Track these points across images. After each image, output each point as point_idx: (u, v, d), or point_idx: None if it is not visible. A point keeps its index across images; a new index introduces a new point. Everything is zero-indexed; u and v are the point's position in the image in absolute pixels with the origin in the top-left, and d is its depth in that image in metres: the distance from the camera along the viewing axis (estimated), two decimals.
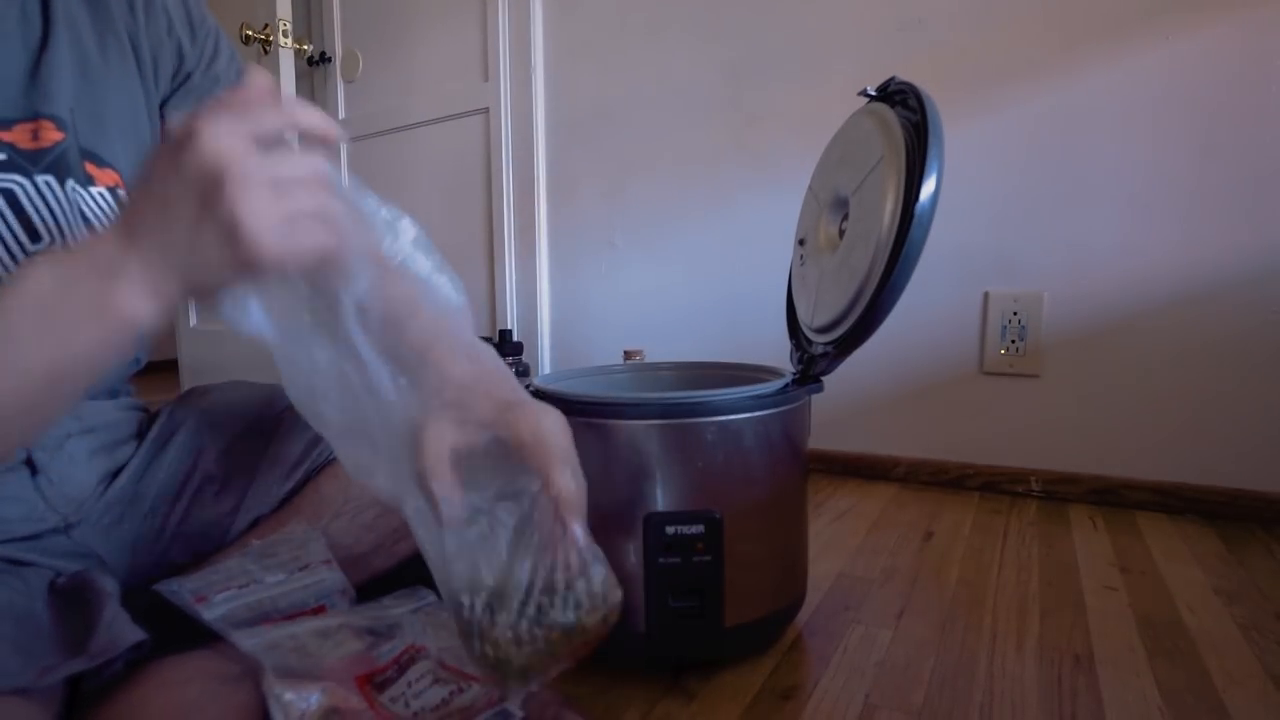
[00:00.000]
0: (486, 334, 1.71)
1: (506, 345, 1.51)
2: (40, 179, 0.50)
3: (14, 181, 0.49)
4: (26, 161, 0.49)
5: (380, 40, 1.85)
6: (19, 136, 0.49)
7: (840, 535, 0.97)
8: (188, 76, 0.60)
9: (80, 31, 0.52)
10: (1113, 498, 1.10)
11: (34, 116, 0.50)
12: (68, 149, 0.52)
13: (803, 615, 0.72)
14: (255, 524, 0.64)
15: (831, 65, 1.26)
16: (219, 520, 0.63)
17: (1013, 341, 1.16)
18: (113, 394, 0.64)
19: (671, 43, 1.41)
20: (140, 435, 0.65)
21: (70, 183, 0.52)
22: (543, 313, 1.63)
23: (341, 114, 1.93)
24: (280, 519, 0.64)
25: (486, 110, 1.66)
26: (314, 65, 1.96)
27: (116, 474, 0.61)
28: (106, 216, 0.53)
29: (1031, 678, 0.61)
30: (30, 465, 0.55)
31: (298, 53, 1.87)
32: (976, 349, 1.19)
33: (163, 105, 0.60)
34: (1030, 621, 0.71)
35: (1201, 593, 0.78)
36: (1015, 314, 1.15)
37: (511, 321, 1.66)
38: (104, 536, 0.59)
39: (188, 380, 2.18)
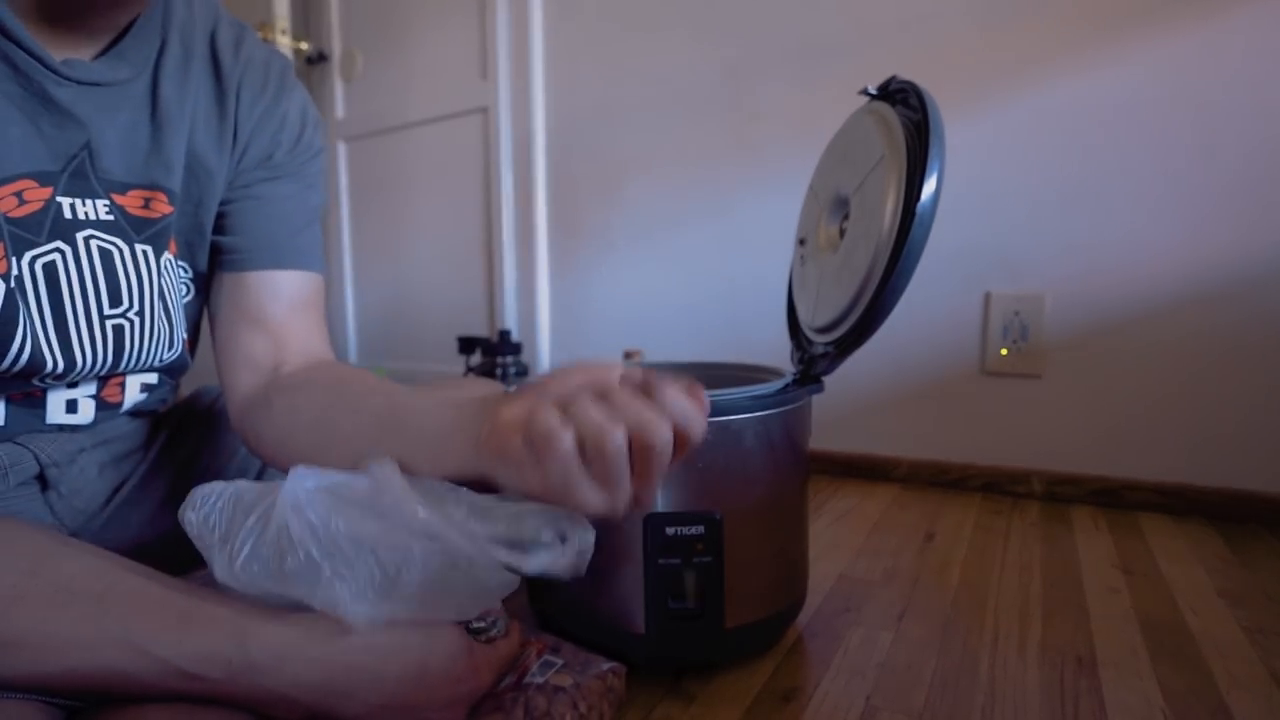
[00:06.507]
0: (485, 334, 1.71)
1: (506, 345, 1.50)
2: (140, 248, 0.53)
3: (114, 244, 0.51)
4: (131, 227, 0.52)
5: (379, 39, 1.84)
6: (130, 201, 0.52)
7: (841, 536, 0.97)
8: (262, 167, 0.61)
9: (199, 111, 0.55)
10: (1115, 499, 1.09)
11: (150, 186, 0.52)
12: (170, 223, 0.54)
13: (803, 617, 0.72)
14: None
15: (831, 65, 1.25)
16: None
17: (1014, 341, 1.15)
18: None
19: (671, 43, 1.41)
20: (148, 441, 0.65)
21: (165, 256, 0.54)
22: (542, 313, 1.62)
23: (340, 113, 1.93)
24: None
25: (485, 109, 1.65)
26: (312, 64, 1.95)
27: (124, 483, 0.61)
28: (173, 285, 0.56)
29: (1033, 680, 0.60)
30: (41, 480, 0.55)
31: (296, 52, 1.87)
32: (978, 349, 1.19)
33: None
34: (1032, 623, 0.71)
35: (1205, 595, 0.77)
36: (1017, 314, 1.15)
37: (511, 322, 1.65)
38: (106, 541, 0.59)
39: (186, 380, 2.17)
